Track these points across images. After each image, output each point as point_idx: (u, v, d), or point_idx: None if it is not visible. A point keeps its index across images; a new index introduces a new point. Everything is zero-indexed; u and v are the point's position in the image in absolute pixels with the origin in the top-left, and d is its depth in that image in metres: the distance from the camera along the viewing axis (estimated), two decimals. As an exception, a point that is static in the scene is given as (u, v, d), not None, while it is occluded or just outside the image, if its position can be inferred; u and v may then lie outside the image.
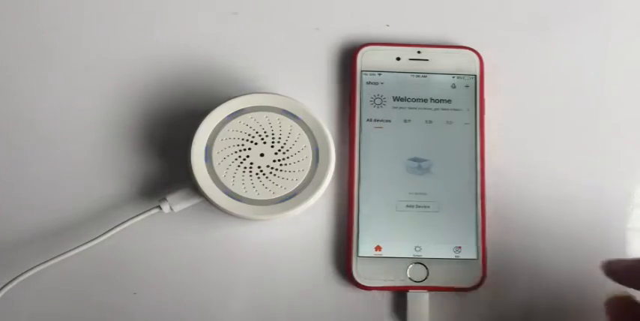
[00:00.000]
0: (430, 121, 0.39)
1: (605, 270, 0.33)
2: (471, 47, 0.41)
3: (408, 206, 0.38)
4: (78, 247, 0.36)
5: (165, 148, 0.40)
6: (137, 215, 0.37)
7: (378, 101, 0.40)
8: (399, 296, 0.38)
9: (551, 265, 0.36)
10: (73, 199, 0.39)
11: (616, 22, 0.43)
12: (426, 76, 0.40)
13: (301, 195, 0.36)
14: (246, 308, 0.38)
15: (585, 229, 0.40)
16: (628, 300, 0.32)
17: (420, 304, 0.38)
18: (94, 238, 0.36)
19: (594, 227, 0.39)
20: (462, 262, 0.38)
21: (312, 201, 0.37)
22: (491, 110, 0.40)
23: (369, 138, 0.39)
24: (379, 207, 0.38)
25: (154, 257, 0.38)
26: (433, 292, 0.38)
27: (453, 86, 0.40)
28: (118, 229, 0.36)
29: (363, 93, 0.40)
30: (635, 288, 0.32)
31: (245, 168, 0.36)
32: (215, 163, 0.36)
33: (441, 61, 0.40)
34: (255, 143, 0.37)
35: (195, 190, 0.37)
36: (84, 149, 0.39)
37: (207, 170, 0.36)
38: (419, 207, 0.38)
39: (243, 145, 0.37)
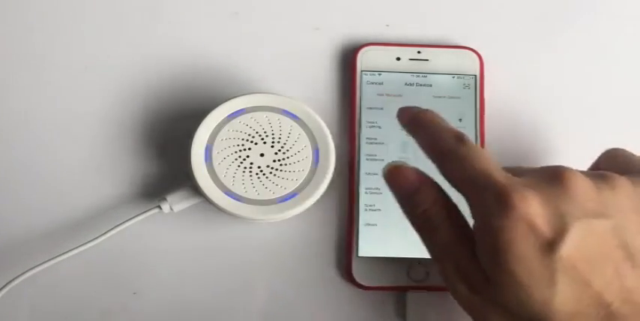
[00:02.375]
0: (430, 121, 0.40)
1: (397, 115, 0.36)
2: (471, 47, 0.41)
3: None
4: (78, 247, 0.36)
5: (165, 148, 0.40)
6: (137, 215, 0.37)
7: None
8: (399, 296, 0.38)
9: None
10: (73, 199, 0.39)
11: (616, 22, 0.43)
12: (426, 76, 0.40)
13: (301, 195, 0.36)
14: (247, 308, 0.38)
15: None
16: (398, 166, 0.33)
17: (420, 304, 0.38)
18: (94, 238, 0.36)
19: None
20: (462, 262, 0.38)
21: (312, 201, 0.37)
22: (491, 110, 0.40)
23: (369, 138, 0.39)
24: (379, 207, 0.38)
25: (154, 257, 0.38)
26: (433, 292, 0.38)
27: (453, 86, 0.40)
28: (118, 229, 0.36)
29: (363, 93, 0.40)
30: (412, 136, 0.34)
31: (245, 168, 0.36)
32: (215, 163, 0.36)
33: (441, 61, 0.40)
34: (255, 143, 0.37)
35: (195, 190, 0.37)
36: (84, 149, 0.39)
37: (207, 170, 0.36)
38: (419, 207, 0.39)
39: (243, 145, 0.37)
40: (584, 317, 0.28)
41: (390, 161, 0.34)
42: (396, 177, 0.33)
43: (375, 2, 0.42)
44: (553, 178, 0.30)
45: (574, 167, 0.31)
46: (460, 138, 0.32)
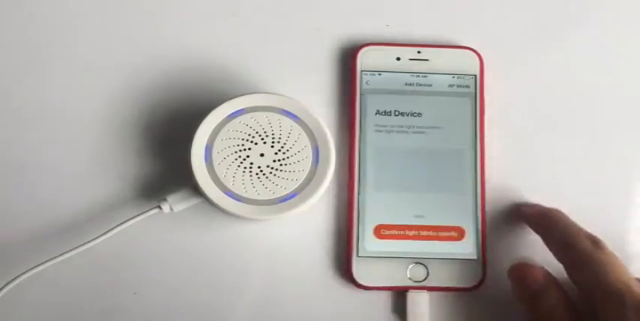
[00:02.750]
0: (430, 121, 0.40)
1: (515, 213, 0.38)
2: (471, 47, 0.41)
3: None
4: (78, 247, 0.36)
5: (166, 148, 0.40)
6: (137, 215, 0.37)
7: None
8: (399, 296, 0.38)
9: (551, 265, 0.36)
10: (73, 200, 0.39)
11: (616, 23, 0.43)
12: (426, 76, 0.40)
13: (301, 195, 0.36)
14: (246, 308, 0.38)
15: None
16: (527, 264, 0.35)
17: (420, 304, 0.38)
18: (94, 238, 0.36)
19: (595, 229, 0.39)
20: (462, 262, 0.38)
21: (312, 201, 0.36)
22: (491, 110, 0.40)
23: (369, 138, 0.39)
24: (379, 207, 0.38)
25: (154, 257, 0.38)
26: (433, 292, 0.38)
27: (453, 86, 0.40)
28: (118, 229, 0.36)
29: (363, 93, 0.40)
30: (537, 233, 0.36)
31: (245, 168, 0.36)
32: (215, 163, 0.36)
33: (441, 61, 0.40)
34: (255, 143, 0.37)
35: (196, 190, 0.37)
36: (83, 149, 0.39)
37: (207, 170, 0.36)
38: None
39: (243, 145, 0.37)
40: None
41: (516, 260, 0.35)
42: (524, 275, 0.34)
43: (375, 2, 0.42)
44: None
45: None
46: (597, 243, 0.33)
